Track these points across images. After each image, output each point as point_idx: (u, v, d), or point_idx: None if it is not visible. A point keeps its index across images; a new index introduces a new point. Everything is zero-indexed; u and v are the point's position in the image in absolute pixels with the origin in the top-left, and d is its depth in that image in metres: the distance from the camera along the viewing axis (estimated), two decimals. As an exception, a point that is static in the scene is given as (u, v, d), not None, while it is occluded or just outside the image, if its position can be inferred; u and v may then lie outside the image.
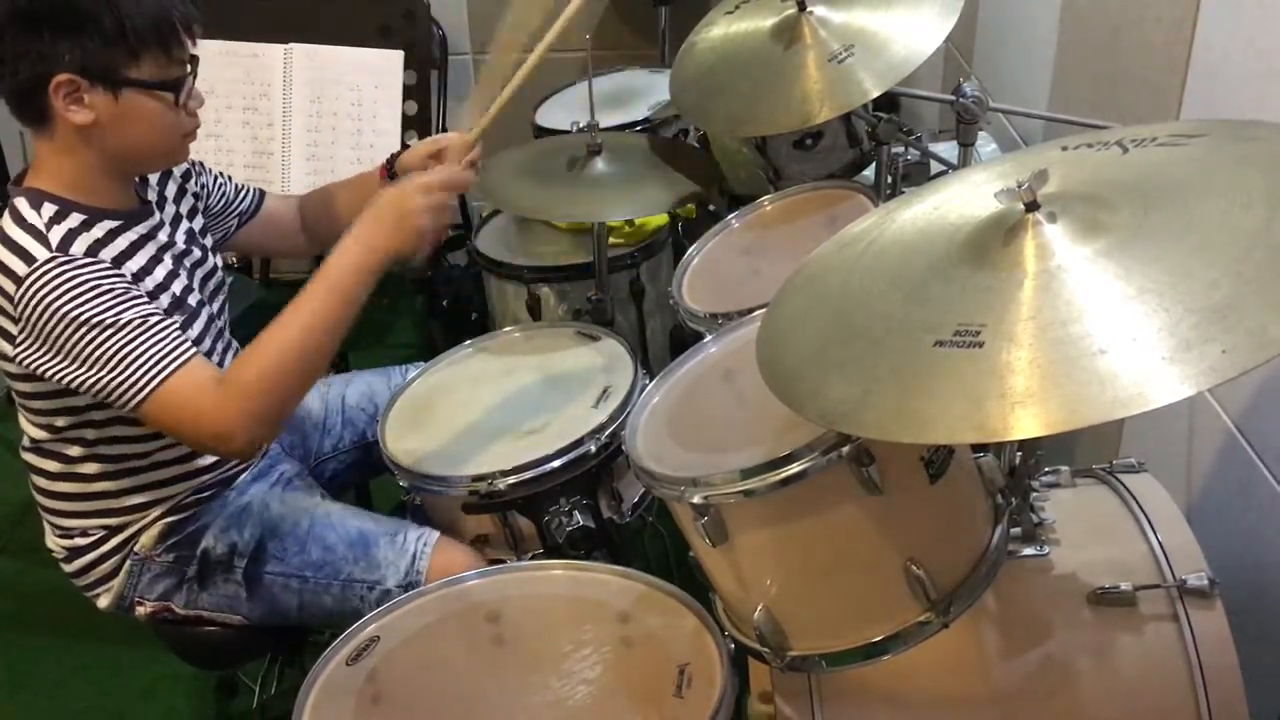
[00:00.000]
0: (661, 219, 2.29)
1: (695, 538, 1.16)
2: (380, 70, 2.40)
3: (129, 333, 1.30)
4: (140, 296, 1.35)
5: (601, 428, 1.53)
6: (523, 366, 1.76)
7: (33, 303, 1.29)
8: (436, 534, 1.56)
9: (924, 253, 1.07)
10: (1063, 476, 1.37)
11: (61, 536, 1.56)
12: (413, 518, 1.62)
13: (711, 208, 2.16)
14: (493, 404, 1.68)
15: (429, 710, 1.22)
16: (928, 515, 1.13)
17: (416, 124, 2.43)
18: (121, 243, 1.42)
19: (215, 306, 1.59)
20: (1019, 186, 0.97)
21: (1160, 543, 1.24)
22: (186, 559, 1.56)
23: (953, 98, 1.53)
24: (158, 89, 1.36)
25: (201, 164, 1.66)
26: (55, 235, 1.33)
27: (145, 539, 1.55)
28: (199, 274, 1.56)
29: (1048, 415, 0.83)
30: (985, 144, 1.91)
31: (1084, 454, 1.79)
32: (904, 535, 1.10)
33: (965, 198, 1.13)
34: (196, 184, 1.63)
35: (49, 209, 1.35)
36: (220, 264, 1.64)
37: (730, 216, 1.84)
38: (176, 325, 1.36)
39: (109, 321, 1.30)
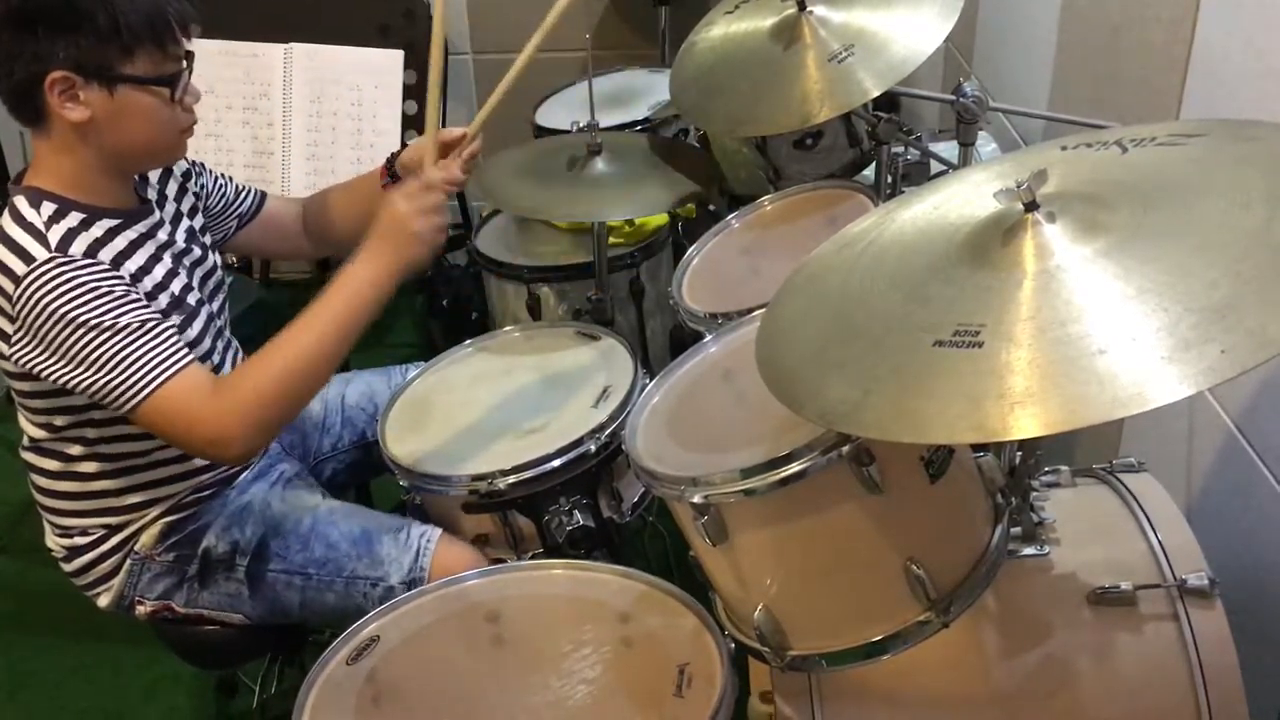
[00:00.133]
0: (661, 219, 2.30)
1: (695, 537, 1.16)
2: (380, 70, 2.40)
3: (126, 336, 1.30)
4: (139, 300, 1.35)
5: (601, 427, 1.54)
6: (523, 366, 1.76)
7: (30, 303, 1.29)
8: (439, 531, 1.56)
9: (924, 253, 1.07)
10: (1063, 476, 1.37)
11: (61, 536, 1.56)
12: (413, 517, 1.61)
13: (711, 208, 2.16)
14: (493, 403, 1.68)
15: (429, 710, 1.22)
16: (928, 515, 1.13)
17: (416, 124, 2.43)
18: (121, 241, 1.42)
19: (215, 305, 1.59)
20: (1018, 186, 0.97)
21: (1160, 542, 1.24)
22: (187, 558, 1.56)
23: (953, 97, 1.53)
24: (153, 84, 1.36)
25: (202, 164, 1.66)
26: (54, 235, 1.33)
27: (145, 538, 1.55)
28: (198, 273, 1.56)
29: (1047, 415, 0.83)
30: (985, 144, 1.90)
31: (1084, 454, 1.79)
32: (904, 535, 1.10)
33: (965, 198, 1.13)
34: (196, 184, 1.63)
35: (48, 208, 1.35)
36: (220, 263, 1.64)
37: (730, 216, 1.84)
38: (174, 330, 1.36)
39: (106, 324, 1.30)
